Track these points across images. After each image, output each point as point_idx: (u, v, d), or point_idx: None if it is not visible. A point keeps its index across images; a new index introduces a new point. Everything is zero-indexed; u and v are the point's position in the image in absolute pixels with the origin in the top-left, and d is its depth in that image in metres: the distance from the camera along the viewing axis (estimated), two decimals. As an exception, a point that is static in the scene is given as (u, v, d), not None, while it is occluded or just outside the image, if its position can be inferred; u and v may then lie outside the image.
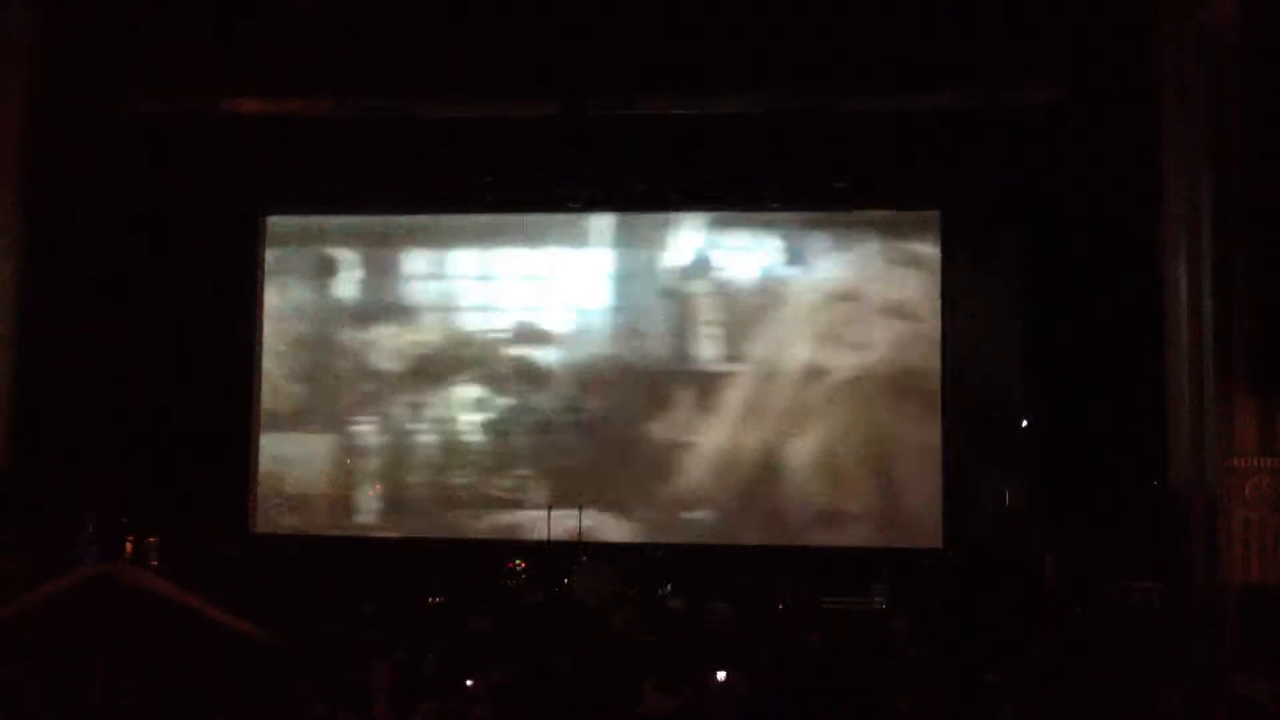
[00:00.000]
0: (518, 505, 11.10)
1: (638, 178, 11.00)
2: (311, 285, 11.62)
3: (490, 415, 11.30)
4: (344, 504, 11.31)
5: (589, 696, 5.26)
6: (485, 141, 10.71)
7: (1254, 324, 7.90)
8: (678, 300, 11.22)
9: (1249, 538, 8.01)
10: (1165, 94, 8.72)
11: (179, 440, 10.57)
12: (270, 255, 11.61)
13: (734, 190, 11.03)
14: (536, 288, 11.38)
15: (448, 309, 11.49)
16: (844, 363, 10.93)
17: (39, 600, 0.87)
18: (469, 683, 5.58)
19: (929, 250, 10.93)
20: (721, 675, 5.42)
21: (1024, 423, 10.42)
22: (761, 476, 10.91)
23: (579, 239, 11.39)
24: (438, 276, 11.57)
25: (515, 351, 11.32)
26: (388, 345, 11.45)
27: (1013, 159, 10.11)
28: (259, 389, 11.49)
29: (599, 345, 11.25)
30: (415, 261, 11.61)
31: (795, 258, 11.13)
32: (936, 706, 5.55)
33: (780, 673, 6.17)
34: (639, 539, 10.88)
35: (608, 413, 11.17)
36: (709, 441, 11.00)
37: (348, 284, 11.60)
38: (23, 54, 9.09)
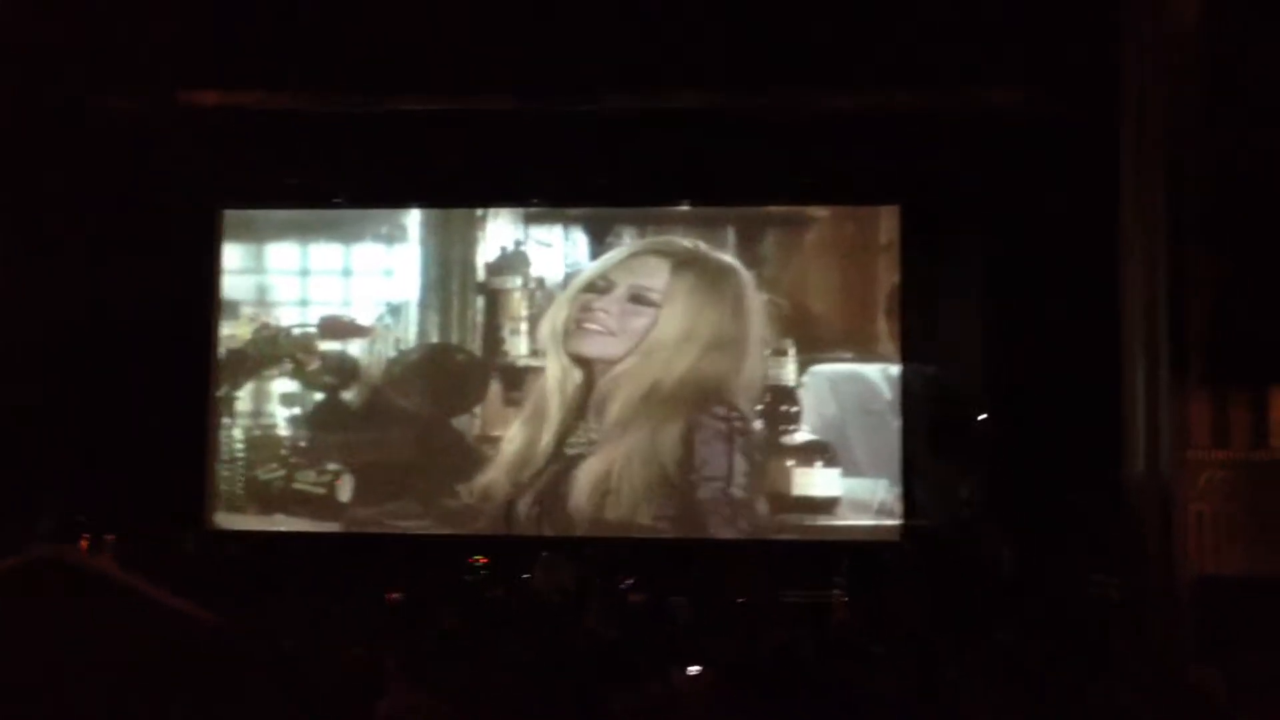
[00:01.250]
0: (327, 501, 11.20)
1: (594, 173, 11.00)
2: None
3: (298, 410, 11.36)
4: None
5: (551, 693, 5.25)
6: (446, 135, 10.67)
7: (1208, 320, 8.00)
8: (490, 295, 11.34)
9: (1203, 530, 8.11)
10: (1125, 94, 8.80)
11: (135, 436, 10.47)
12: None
13: (690, 186, 11.06)
14: (349, 282, 11.51)
15: (260, 303, 11.54)
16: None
17: None
18: (430, 680, 5.54)
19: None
20: (688, 671, 5.42)
21: (981, 417, 10.49)
22: (557, 471, 11.01)
23: (395, 235, 11.48)
24: (252, 271, 11.61)
25: (325, 346, 11.41)
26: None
27: (973, 157, 10.18)
28: (215, 384, 11.40)
29: (410, 339, 11.36)
30: (229, 255, 11.64)
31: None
32: (897, 699, 5.57)
33: (742, 667, 6.18)
34: (446, 532, 10.99)
35: (418, 407, 11.23)
36: (517, 436, 11.10)
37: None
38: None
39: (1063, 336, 9.65)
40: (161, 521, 9.84)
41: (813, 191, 10.93)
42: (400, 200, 11.44)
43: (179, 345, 10.98)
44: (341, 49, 9.81)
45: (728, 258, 11.13)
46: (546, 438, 11.02)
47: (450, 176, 11.10)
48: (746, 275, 11.07)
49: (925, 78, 9.92)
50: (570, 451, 11.03)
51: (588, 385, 11.02)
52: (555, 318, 11.17)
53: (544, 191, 11.24)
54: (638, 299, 11.08)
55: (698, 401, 10.90)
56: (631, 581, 9.69)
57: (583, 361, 11.07)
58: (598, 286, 11.17)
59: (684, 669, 5.57)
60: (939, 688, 5.54)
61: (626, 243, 11.30)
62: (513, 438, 11.10)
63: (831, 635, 7.56)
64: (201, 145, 10.57)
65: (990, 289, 10.43)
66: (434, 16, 9.34)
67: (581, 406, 11.02)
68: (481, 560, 10.15)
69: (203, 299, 11.33)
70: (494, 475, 11.11)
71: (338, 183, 11.27)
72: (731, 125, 10.43)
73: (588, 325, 11.09)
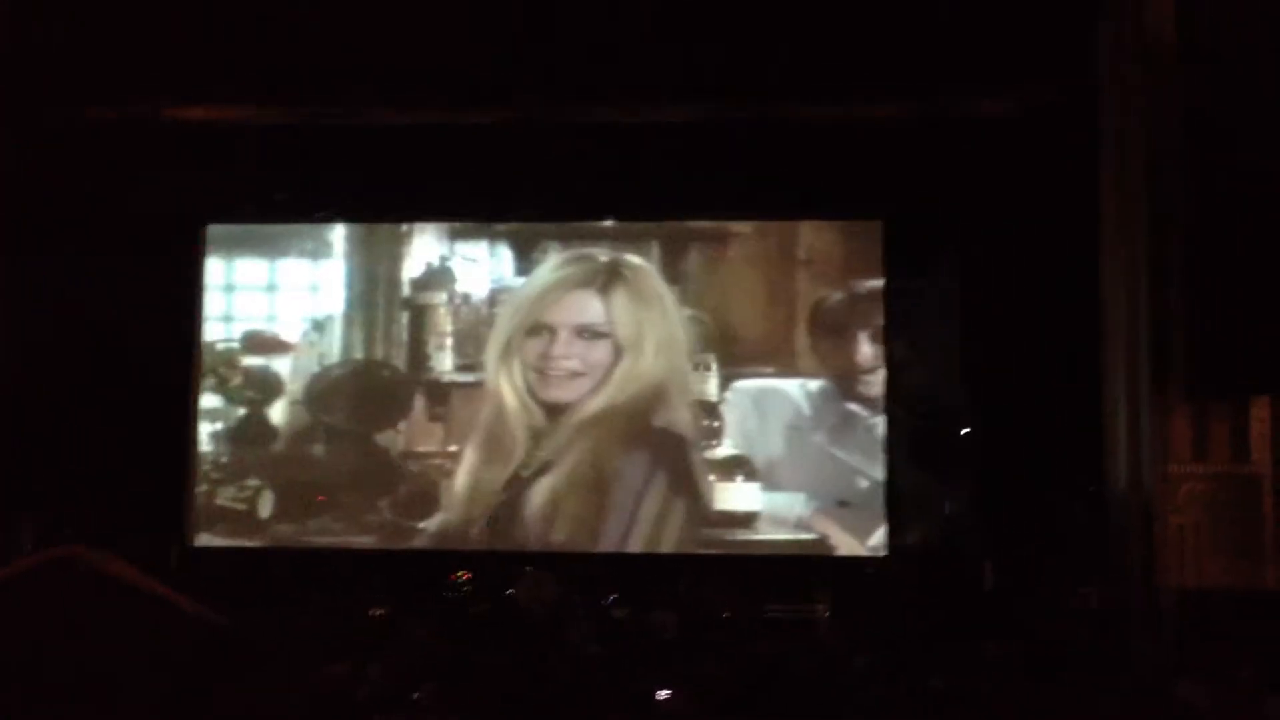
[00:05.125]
0: (246, 517, 11.15)
1: (582, 187, 11.00)
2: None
3: (220, 425, 11.32)
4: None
5: (534, 708, 5.25)
6: (434, 149, 10.67)
7: (1189, 334, 8.05)
8: (417, 310, 11.30)
9: (1184, 543, 8.15)
10: (1105, 106, 8.86)
11: (116, 451, 10.43)
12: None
13: (671, 200, 11.06)
14: (274, 297, 11.45)
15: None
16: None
17: None
18: (415, 695, 5.54)
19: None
20: (667, 690, 5.43)
21: (964, 431, 10.53)
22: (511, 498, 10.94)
23: (320, 250, 11.45)
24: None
25: (248, 361, 11.35)
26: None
27: (952, 170, 10.22)
28: (197, 400, 11.37)
29: (334, 354, 11.33)
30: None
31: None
32: (882, 713, 5.59)
33: (726, 682, 6.19)
34: (372, 547, 10.95)
35: (341, 423, 11.25)
36: (470, 467, 11.04)
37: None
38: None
39: (1044, 350, 9.70)
40: (143, 536, 9.80)
41: (787, 206, 10.94)
42: (377, 214, 11.42)
43: (160, 360, 10.93)
44: (324, 61, 9.81)
45: (636, 259, 11.11)
46: (506, 470, 10.94)
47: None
48: (656, 272, 11.08)
49: (902, 90, 9.97)
50: (524, 474, 10.95)
51: (552, 418, 10.98)
52: (507, 363, 11.00)
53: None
54: (585, 333, 11.06)
55: (643, 411, 10.89)
56: (615, 597, 9.69)
57: (552, 405, 10.94)
58: (540, 329, 11.06)
59: (664, 688, 5.57)
60: (924, 700, 5.56)
61: (539, 270, 11.19)
62: (467, 469, 10.98)
63: (815, 649, 7.58)
64: (186, 160, 10.55)
65: (971, 302, 10.46)
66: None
67: (540, 433, 10.94)
68: (465, 576, 10.13)
69: (185, 313, 11.28)
70: (449, 506, 10.98)
71: (323, 196, 11.25)
72: (701, 139, 10.44)
73: (552, 373, 10.99)
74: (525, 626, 8.50)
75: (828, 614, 9.60)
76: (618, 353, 10.98)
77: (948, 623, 8.43)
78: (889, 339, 10.79)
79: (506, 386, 11.03)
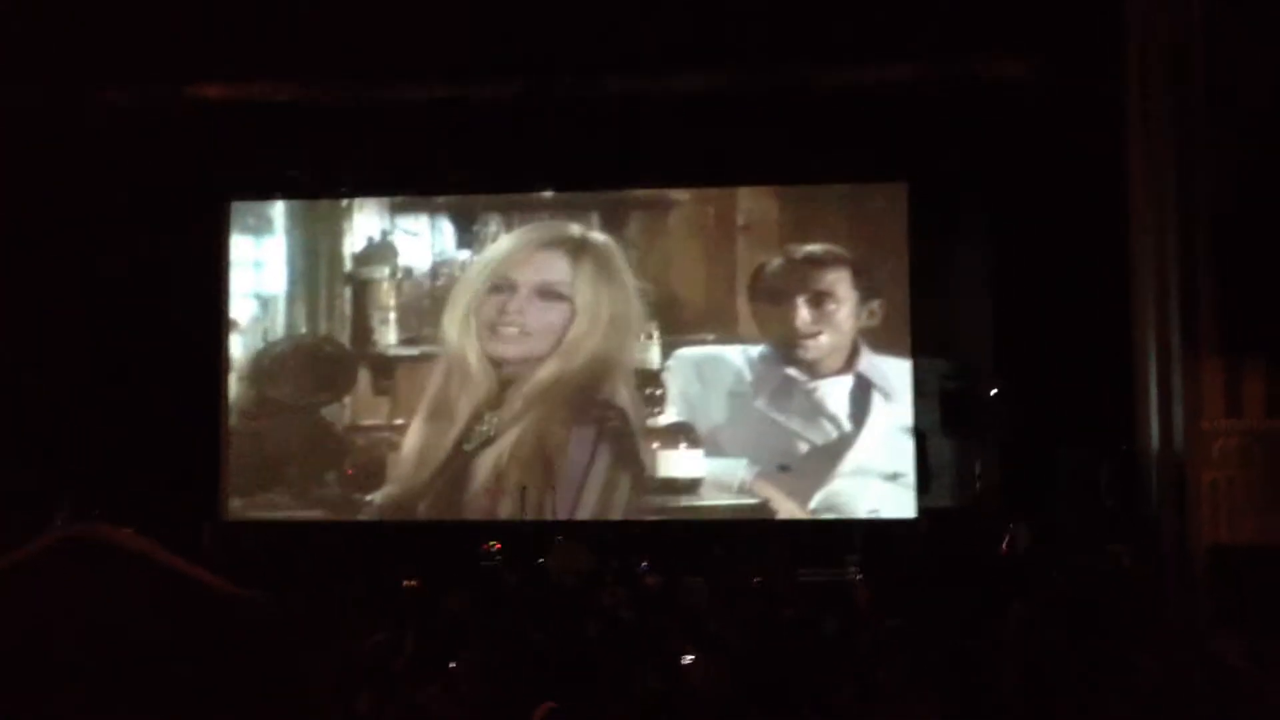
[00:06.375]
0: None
1: (602, 157, 10.97)
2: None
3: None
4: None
5: (569, 676, 5.26)
6: (452, 123, 10.65)
7: (1219, 288, 7.98)
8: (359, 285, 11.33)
9: (1217, 499, 8.10)
10: (1130, 64, 8.76)
11: (148, 429, 10.49)
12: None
13: (697, 166, 11.02)
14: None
15: None
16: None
17: (17, 560, 0.85)
18: (450, 665, 5.57)
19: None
20: (696, 654, 5.43)
21: (993, 391, 10.47)
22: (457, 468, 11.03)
23: (262, 227, 11.50)
24: None
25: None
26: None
27: (980, 131, 10.14)
28: (226, 374, 11.42)
29: (278, 330, 11.39)
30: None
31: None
32: (913, 675, 5.58)
33: (758, 647, 6.19)
34: (323, 518, 11.02)
35: (287, 398, 11.28)
36: (417, 434, 11.11)
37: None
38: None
39: (1074, 308, 9.63)
40: (176, 512, 9.87)
41: (815, 170, 10.89)
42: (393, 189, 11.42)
43: (187, 337, 10.98)
44: (338, 38, 9.79)
45: (603, 236, 11.13)
46: (454, 431, 11.00)
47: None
48: (623, 255, 11.08)
49: (927, 51, 9.88)
50: (469, 447, 11.01)
51: (501, 384, 11.01)
52: (464, 321, 11.08)
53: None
54: (546, 294, 11.07)
55: (587, 385, 10.93)
56: (646, 564, 9.70)
57: (500, 362, 11.02)
58: (500, 288, 11.12)
59: (695, 652, 5.57)
60: (956, 661, 5.54)
61: (505, 236, 11.22)
62: (416, 430, 11.06)
63: (848, 613, 7.57)
64: (209, 137, 10.57)
65: (999, 262, 10.40)
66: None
67: (493, 401, 11.00)
68: (496, 546, 10.17)
69: (211, 290, 11.33)
70: (391, 468, 11.08)
71: (342, 172, 11.26)
72: (717, 107, 10.36)
73: (504, 329, 11.05)
74: (558, 595, 8.52)
75: (859, 577, 9.59)
76: (571, 318, 11.01)
77: (978, 583, 8.41)
78: (915, 300, 10.74)
79: (468, 347, 11.06)
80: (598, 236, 11.13)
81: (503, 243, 11.24)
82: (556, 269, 11.10)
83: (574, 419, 10.94)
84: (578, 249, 11.11)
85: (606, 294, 11.01)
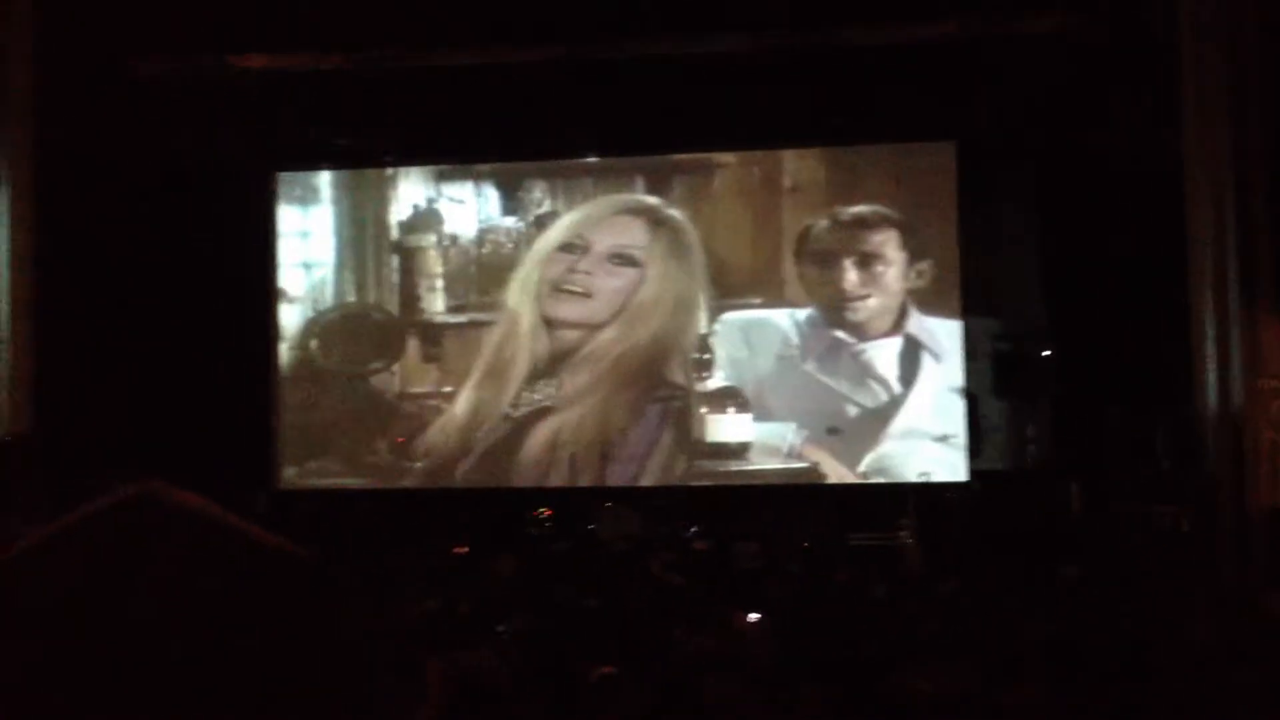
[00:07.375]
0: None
1: (646, 121, 10.89)
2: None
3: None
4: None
5: (620, 641, 5.27)
6: (494, 88, 10.62)
7: (1278, 245, 7.84)
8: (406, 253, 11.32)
9: (1275, 459, 7.99)
10: (1183, 16, 8.58)
11: (200, 400, 10.58)
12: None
13: (743, 128, 10.93)
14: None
15: None
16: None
17: (76, 521, 0.86)
18: (500, 629, 5.59)
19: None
20: (752, 616, 5.42)
21: (1045, 353, 10.37)
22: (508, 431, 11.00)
23: (309, 197, 11.52)
24: None
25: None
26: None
27: (1028, 88, 9.98)
28: (276, 344, 11.51)
29: (327, 299, 11.43)
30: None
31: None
32: (965, 639, 5.55)
33: (809, 611, 6.18)
34: (373, 486, 11.04)
35: (337, 366, 11.33)
36: (470, 395, 11.08)
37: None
38: (25, 16, 9.01)
39: (1129, 266, 9.49)
40: (229, 482, 9.97)
41: (863, 130, 10.78)
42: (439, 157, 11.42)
43: (239, 309, 11.06)
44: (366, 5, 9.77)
45: (682, 216, 11.02)
46: (505, 397, 10.97)
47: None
48: (695, 233, 10.99)
49: (974, 5, 9.72)
50: (518, 414, 10.98)
51: (556, 347, 10.96)
52: (526, 278, 11.03)
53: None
54: (619, 258, 10.99)
55: (651, 365, 10.85)
56: (696, 529, 9.71)
57: (556, 324, 10.98)
58: (574, 247, 11.03)
59: (748, 614, 5.57)
60: (1008, 624, 5.50)
61: (581, 200, 11.16)
62: (466, 396, 11.03)
63: (899, 578, 7.54)
64: (254, 109, 10.61)
65: (1052, 221, 10.26)
66: None
67: (546, 368, 10.96)
68: (546, 512, 10.21)
69: (261, 261, 11.40)
70: (440, 434, 11.05)
71: (386, 141, 11.28)
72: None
73: (566, 288, 10.98)
74: (607, 560, 8.54)
75: (911, 540, 9.55)
76: (637, 286, 10.94)
77: (1033, 545, 8.34)
78: (964, 260, 10.63)
79: (524, 307, 11.01)
80: (677, 213, 11.03)
81: (583, 206, 11.17)
82: (634, 234, 11.02)
83: (640, 400, 10.87)
84: (657, 221, 11.02)
85: (677, 269, 10.91)
